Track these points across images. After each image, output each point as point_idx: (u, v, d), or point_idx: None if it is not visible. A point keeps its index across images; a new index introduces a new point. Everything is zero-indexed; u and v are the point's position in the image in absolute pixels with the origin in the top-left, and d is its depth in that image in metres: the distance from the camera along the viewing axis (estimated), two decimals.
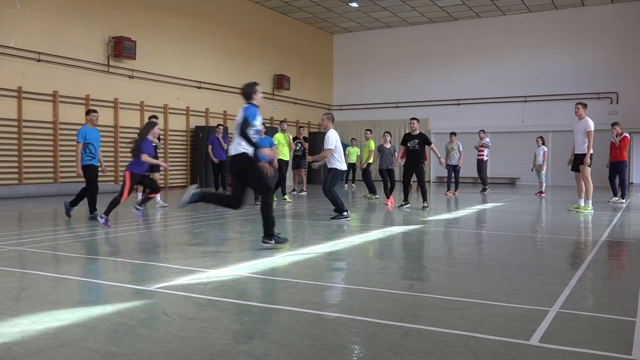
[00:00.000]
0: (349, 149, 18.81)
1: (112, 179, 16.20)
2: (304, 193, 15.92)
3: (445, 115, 24.65)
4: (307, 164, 15.69)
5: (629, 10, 21.90)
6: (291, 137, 14.39)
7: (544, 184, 16.51)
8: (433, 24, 25.03)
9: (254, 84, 6.40)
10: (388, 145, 13.50)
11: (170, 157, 18.26)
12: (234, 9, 21.09)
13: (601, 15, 22.24)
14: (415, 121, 11.63)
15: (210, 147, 15.02)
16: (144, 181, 8.63)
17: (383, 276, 5.02)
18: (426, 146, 11.67)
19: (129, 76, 17.03)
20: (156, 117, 11.67)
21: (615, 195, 13.39)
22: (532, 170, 17.08)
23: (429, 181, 24.29)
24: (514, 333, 3.25)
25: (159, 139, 11.64)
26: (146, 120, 17.05)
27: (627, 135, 13.66)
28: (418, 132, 11.58)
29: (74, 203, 9.15)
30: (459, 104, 24.73)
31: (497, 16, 23.81)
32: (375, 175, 15.36)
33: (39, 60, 14.61)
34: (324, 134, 9.65)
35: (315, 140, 22.17)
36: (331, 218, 9.26)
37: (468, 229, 8.61)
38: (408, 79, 25.50)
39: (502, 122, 23.78)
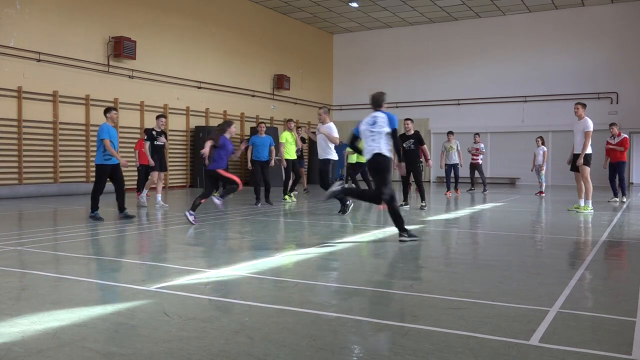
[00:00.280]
0: (349, 149, 18.75)
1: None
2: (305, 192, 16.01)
3: (445, 115, 24.63)
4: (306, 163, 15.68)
5: (629, 10, 21.90)
6: (298, 136, 14.39)
7: (544, 184, 16.49)
8: (433, 24, 25.02)
9: (384, 93, 7.42)
10: None
11: (170, 157, 18.25)
12: (234, 9, 21.09)
13: (601, 15, 22.24)
14: (409, 121, 11.79)
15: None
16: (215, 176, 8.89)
17: (383, 276, 5.01)
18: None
19: (129, 76, 17.03)
20: (164, 117, 11.56)
21: (615, 195, 13.40)
22: (532, 171, 17.06)
23: (429, 181, 24.29)
24: (514, 333, 3.25)
25: (165, 137, 11.55)
26: (146, 120, 17.13)
27: (626, 135, 13.67)
28: (413, 131, 11.69)
29: (120, 208, 9.17)
30: (459, 104, 24.73)
31: (497, 16, 23.81)
32: None
33: (39, 60, 14.62)
34: None
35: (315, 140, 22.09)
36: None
37: (468, 229, 8.61)
38: (408, 79, 25.49)
39: (502, 122, 23.78)
